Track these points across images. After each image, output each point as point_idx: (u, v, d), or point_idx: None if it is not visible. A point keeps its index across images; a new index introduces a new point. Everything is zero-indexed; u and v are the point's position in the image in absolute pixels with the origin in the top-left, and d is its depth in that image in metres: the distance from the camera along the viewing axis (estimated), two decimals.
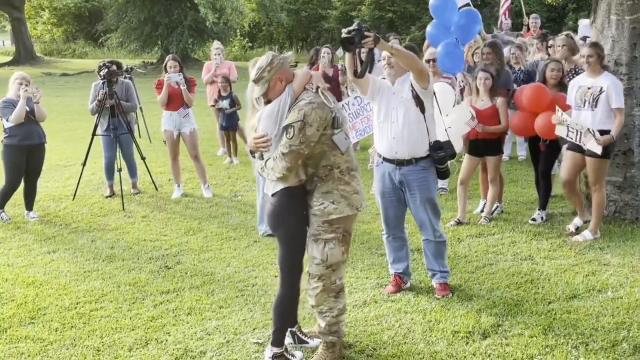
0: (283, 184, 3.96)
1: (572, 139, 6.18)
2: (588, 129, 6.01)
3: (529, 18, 12.66)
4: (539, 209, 6.99)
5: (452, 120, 6.35)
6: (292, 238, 4.04)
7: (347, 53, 4.59)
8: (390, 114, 4.92)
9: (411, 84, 4.85)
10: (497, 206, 7.26)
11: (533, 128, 6.61)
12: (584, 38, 9.42)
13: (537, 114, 6.55)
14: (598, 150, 6.01)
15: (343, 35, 4.29)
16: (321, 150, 3.94)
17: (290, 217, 4.01)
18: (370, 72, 9.05)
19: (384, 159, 5.07)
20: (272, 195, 4.04)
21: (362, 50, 4.82)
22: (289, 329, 4.36)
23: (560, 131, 6.28)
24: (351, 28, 4.28)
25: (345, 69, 4.95)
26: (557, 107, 6.22)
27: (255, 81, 3.92)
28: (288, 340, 4.35)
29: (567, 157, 6.47)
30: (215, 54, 10.37)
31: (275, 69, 3.88)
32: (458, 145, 6.49)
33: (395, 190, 5.08)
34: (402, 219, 5.25)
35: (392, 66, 4.90)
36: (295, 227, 4.02)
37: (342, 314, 4.20)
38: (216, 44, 10.85)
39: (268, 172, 3.92)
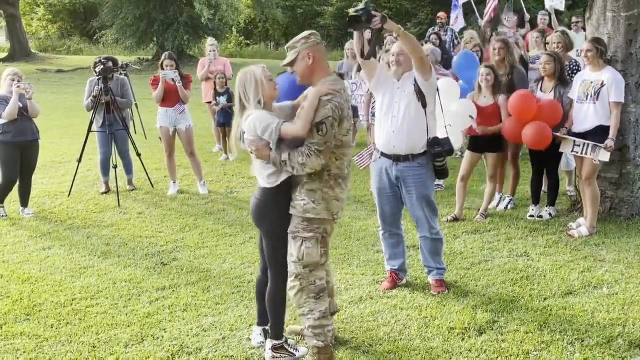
0: (279, 180, 3.94)
1: (578, 153, 6.34)
2: (595, 145, 6.15)
3: (529, 14, 12.65)
4: (548, 206, 7.01)
5: (453, 113, 6.34)
6: (276, 234, 4.02)
7: (354, 33, 4.66)
8: (392, 108, 4.93)
9: (414, 79, 4.85)
10: (510, 199, 7.32)
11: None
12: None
13: (525, 122, 6.53)
14: (607, 158, 6.19)
15: (351, 13, 4.29)
16: None
17: (274, 213, 3.99)
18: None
19: (382, 154, 5.06)
20: (261, 189, 4.01)
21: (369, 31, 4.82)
22: (262, 327, 4.36)
23: (565, 148, 6.44)
24: (359, 7, 4.27)
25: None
26: (560, 134, 6.43)
27: (288, 48, 3.96)
28: (260, 338, 4.35)
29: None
30: (209, 51, 10.37)
31: (310, 44, 3.90)
32: (458, 140, 6.50)
33: (392, 187, 5.08)
34: (399, 215, 5.25)
35: (400, 64, 4.91)
36: (279, 223, 4.01)
37: (326, 318, 4.08)
38: (210, 40, 10.91)
39: (295, 166, 3.83)
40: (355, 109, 8.48)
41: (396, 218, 5.23)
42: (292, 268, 4.02)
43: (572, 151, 6.38)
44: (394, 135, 4.92)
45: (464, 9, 13.56)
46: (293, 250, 3.99)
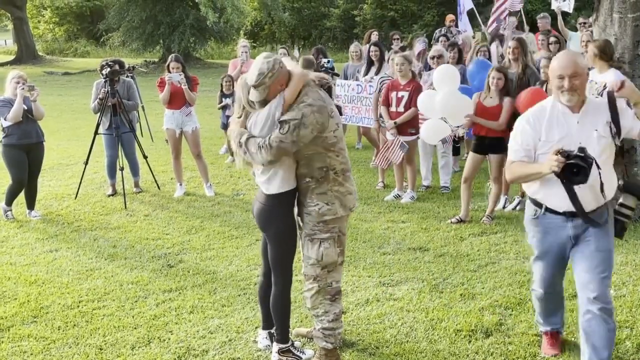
0: (280, 188, 3.94)
1: None
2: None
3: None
4: None
5: (453, 109, 6.40)
6: (282, 238, 4.03)
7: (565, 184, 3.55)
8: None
9: (613, 118, 3.63)
10: (520, 200, 7.30)
11: None
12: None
13: None
14: None
15: (572, 161, 3.36)
16: (315, 152, 3.87)
17: (281, 217, 4.00)
18: (377, 73, 9.11)
19: (548, 209, 3.80)
20: (266, 195, 4.01)
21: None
22: (267, 331, 4.37)
23: None
24: (577, 154, 3.38)
25: None
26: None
27: (256, 86, 3.78)
28: (266, 342, 4.36)
29: None
30: (242, 52, 10.30)
31: (277, 74, 3.76)
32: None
33: (564, 249, 3.87)
34: (562, 276, 4.17)
35: (575, 90, 3.58)
36: (285, 227, 4.01)
37: (338, 320, 4.12)
38: (242, 41, 10.85)
39: (251, 155, 3.83)
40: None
41: (560, 280, 4.18)
42: (309, 271, 4.03)
43: None
44: (579, 191, 3.58)
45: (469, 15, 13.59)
46: (311, 252, 4.00)
